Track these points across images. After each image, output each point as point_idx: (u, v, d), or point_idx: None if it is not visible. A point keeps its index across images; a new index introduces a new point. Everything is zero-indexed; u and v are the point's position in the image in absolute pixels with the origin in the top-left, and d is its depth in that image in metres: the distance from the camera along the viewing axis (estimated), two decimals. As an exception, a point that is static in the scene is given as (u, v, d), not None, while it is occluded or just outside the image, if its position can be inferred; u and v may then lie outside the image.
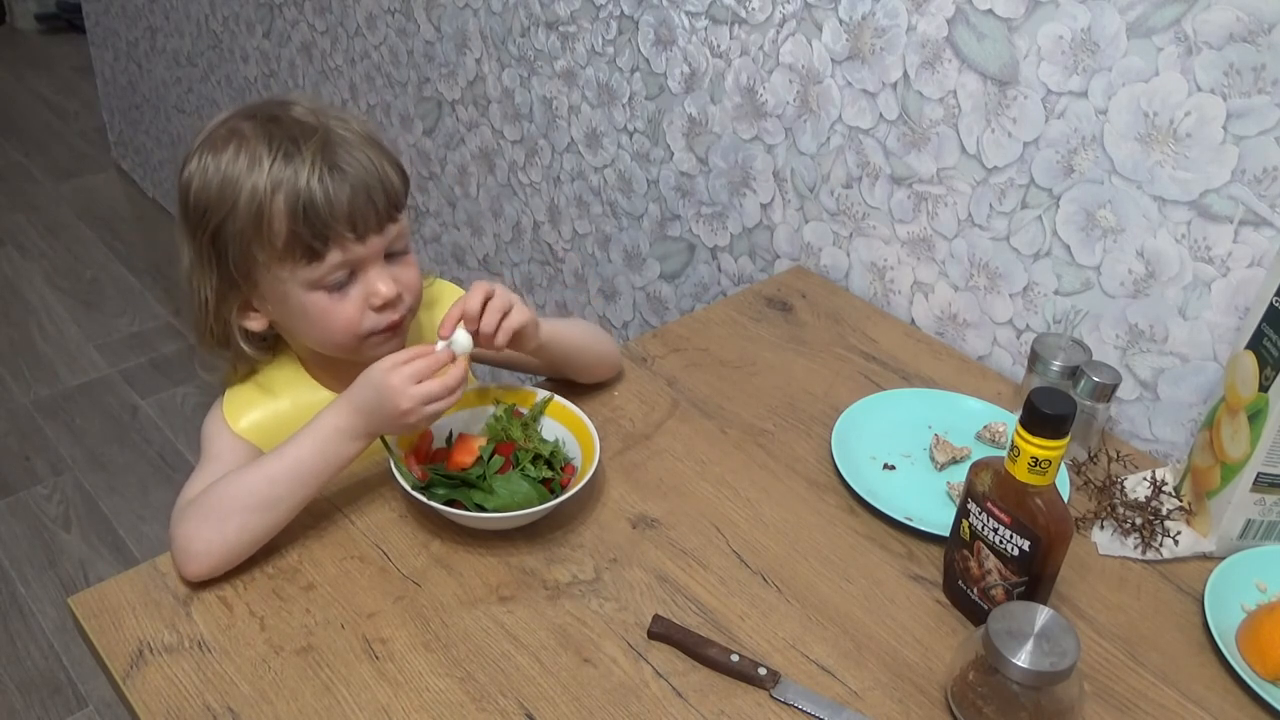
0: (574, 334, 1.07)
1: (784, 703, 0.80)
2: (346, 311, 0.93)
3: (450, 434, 0.98)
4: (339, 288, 0.92)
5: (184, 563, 0.87)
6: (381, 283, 0.93)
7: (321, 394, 1.00)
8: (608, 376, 1.13)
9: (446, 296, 1.09)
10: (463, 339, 0.92)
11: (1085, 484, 1.02)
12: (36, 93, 3.95)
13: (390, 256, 0.95)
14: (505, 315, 0.93)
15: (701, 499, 0.99)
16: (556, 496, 0.92)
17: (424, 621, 0.86)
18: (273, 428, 0.97)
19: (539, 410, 1.00)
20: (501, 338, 0.93)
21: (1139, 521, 0.96)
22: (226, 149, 0.90)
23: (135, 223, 3.17)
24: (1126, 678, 0.84)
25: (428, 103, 1.95)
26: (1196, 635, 0.88)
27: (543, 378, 1.12)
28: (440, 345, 0.91)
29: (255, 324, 0.97)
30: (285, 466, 0.88)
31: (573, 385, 1.10)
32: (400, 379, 0.87)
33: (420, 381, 0.88)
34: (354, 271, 0.93)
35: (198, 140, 0.93)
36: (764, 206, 1.42)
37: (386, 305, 0.94)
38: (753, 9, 1.31)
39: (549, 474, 0.94)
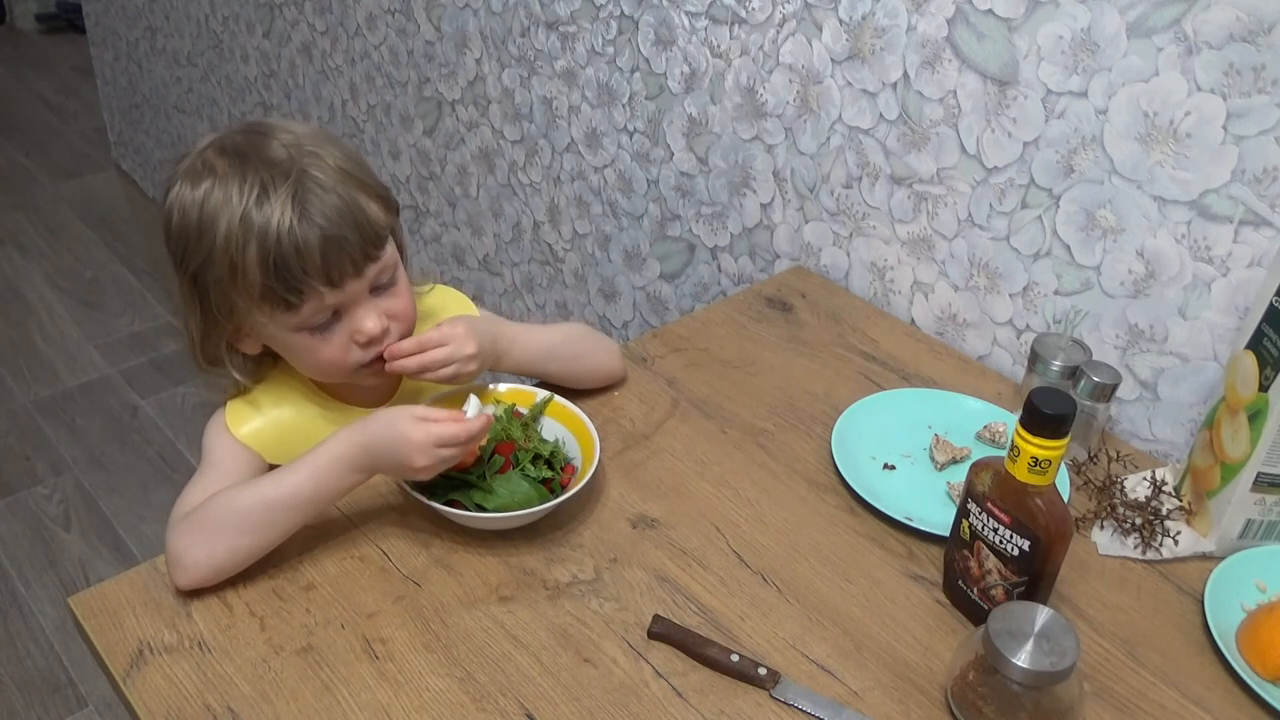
0: (545, 359, 1.06)
1: (784, 703, 0.80)
2: (331, 350, 0.92)
3: (450, 434, 0.98)
4: (323, 328, 0.91)
5: (175, 573, 0.87)
6: (368, 320, 0.91)
7: (323, 401, 1.00)
8: (605, 384, 1.12)
9: (450, 305, 1.08)
10: (476, 406, 0.92)
11: (1085, 484, 1.02)
12: (36, 93, 3.95)
13: (378, 289, 0.93)
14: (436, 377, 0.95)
15: (701, 499, 0.99)
16: (556, 496, 0.92)
17: (424, 621, 0.86)
18: (275, 434, 0.96)
19: (539, 410, 1.00)
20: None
21: (1139, 521, 0.96)
22: (201, 185, 0.88)
23: (135, 223, 3.17)
24: (1126, 678, 0.84)
25: (428, 103, 1.95)
26: (1196, 635, 0.88)
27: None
28: (471, 411, 0.90)
29: (249, 348, 0.96)
30: (282, 493, 0.87)
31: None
32: (423, 435, 0.86)
33: (442, 445, 0.87)
34: (338, 311, 0.91)
35: (180, 166, 0.91)
36: (764, 206, 1.42)
37: (372, 341, 0.93)
38: (753, 9, 1.31)
39: (549, 474, 0.94)
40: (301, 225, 0.86)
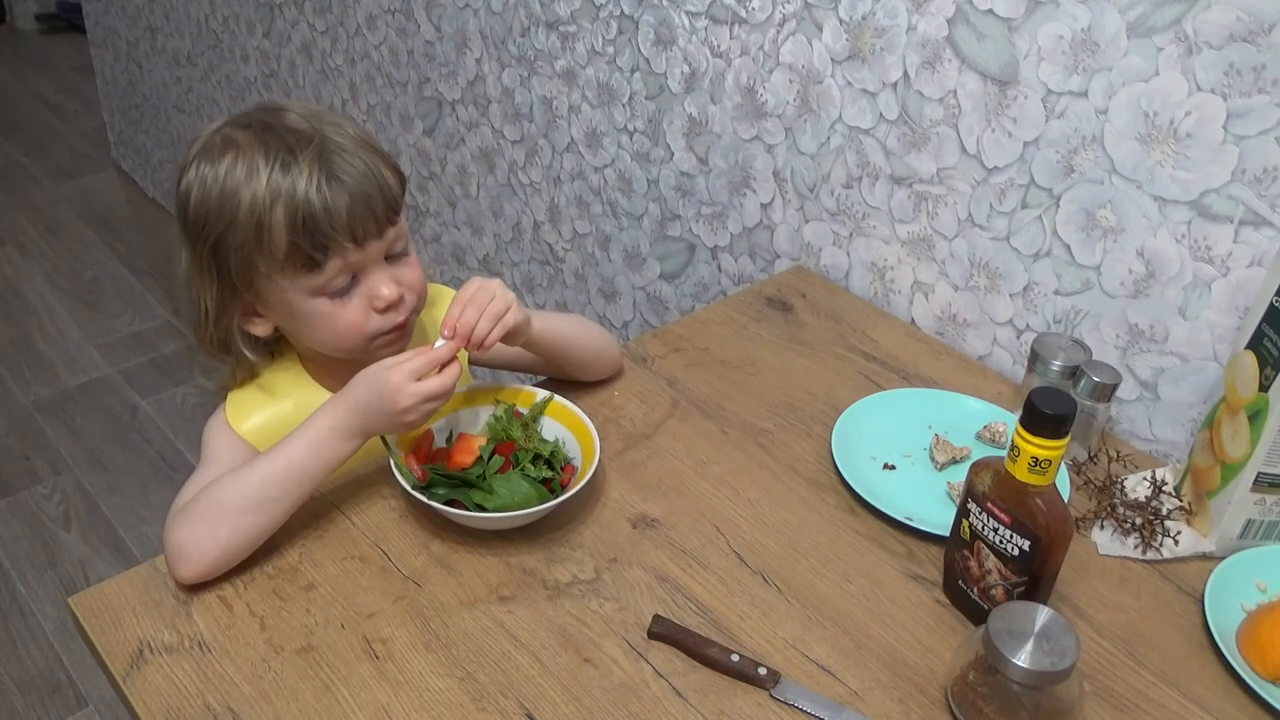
0: (567, 329, 1.07)
1: (784, 703, 0.80)
2: (350, 316, 0.93)
3: (450, 434, 0.98)
4: (342, 293, 0.93)
5: (177, 566, 0.87)
6: (384, 285, 0.93)
7: (323, 396, 1.00)
8: (608, 374, 1.13)
9: (446, 298, 1.09)
10: (442, 341, 0.92)
11: (1085, 484, 1.02)
12: (36, 93, 3.95)
13: (391, 258, 0.95)
14: (499, 318, 0.93)
15: (701, 499, 0.99)
16: (556, 496, 0.92)
17: (424, 621, 0.86)
18: (275, 430, 0.96)
19: (539, 410, 1.00)
20: (491, 342, 0.93)
21: (1139, 521, 0.96)
22: (223, 159, 0.90)
23: (135, 223, 3.17)
24: (1126, 678, 0.84)
25: (428, 103, 1.95)
26: (1196, 635, 0.88)
27: (543, 378, 1.12)
28: (439, 344, 0.91)
29: (259, 329, 0.97)
30: (278, 467, 0.88)
31: (573, 385, 1.10)
32: (400, 376, 0.88)
33: (419, 379, 0.88)
34: (356, 276, 0.93)
35: (193, 149, 0.93)
36: (764, 206, 1.42)
37: (390, 307, 0.94)
38: (753, 9, 1.31)
39: (549, 474, 0.94)
40: (329, 185, 0.88)
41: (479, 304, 0.92)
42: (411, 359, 0.89)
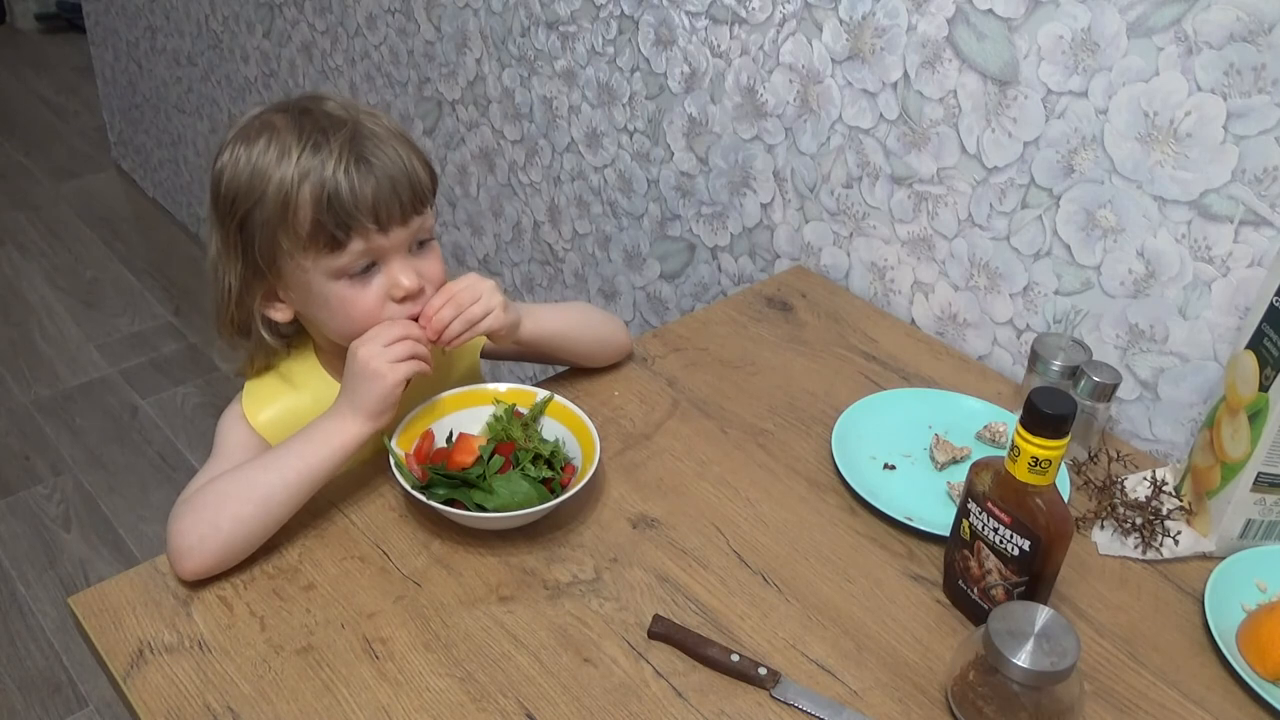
0: (564, 327, 1.08)
1: (784, 703, 0.80)
2: (367, 302, 0.93)
3: (450, 434, 0.98)
4: (362, 279, 0.93)
5: (177, 560, 0.87)
6: (404, 275, 0.94)
7: (338, 389, 1.00)
8: (616, 359, 1.14)
9: None
10: None
11: (1085, 484, 1.02)
12: (36, 93, 3.95)
13: (414, 249, 0.96)
14: (473, 324, 0.95)
15: (701, 499, 0.99)
16: (556, 496, 0.92)
17: (424, 621, 0.86)
18: (291, 422, 0.97)
19: (539, 410, 1.00)
20: (457, 345, 0.95)
21: (1139, 521, 0.96)
22: (258, 141, 0.91)
23: (135, 223, 3.17)
24: (1126, 678, 0.84)
25: (428, 103, 1.95)
26: (1196, 635, 0.88)
27: (545, 376, 1.12)
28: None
29: (280, 315, 0.98)
30: (282, 460, 0.89)
31: (574, 385, 1.10)
32: (371, 340, 0.91)
33: (387, 343, 0.91)
34: (376, 262, 0.93)
35: (231, 133, 0.94)
36: (764, 206, 1.42)
37: (408, 297, 0.94)
38: (753, 9, 1.31)
39: (549, 474, 0.94)
40: (358, 168, 0.90)
41: (458, 304, 0.94)
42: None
